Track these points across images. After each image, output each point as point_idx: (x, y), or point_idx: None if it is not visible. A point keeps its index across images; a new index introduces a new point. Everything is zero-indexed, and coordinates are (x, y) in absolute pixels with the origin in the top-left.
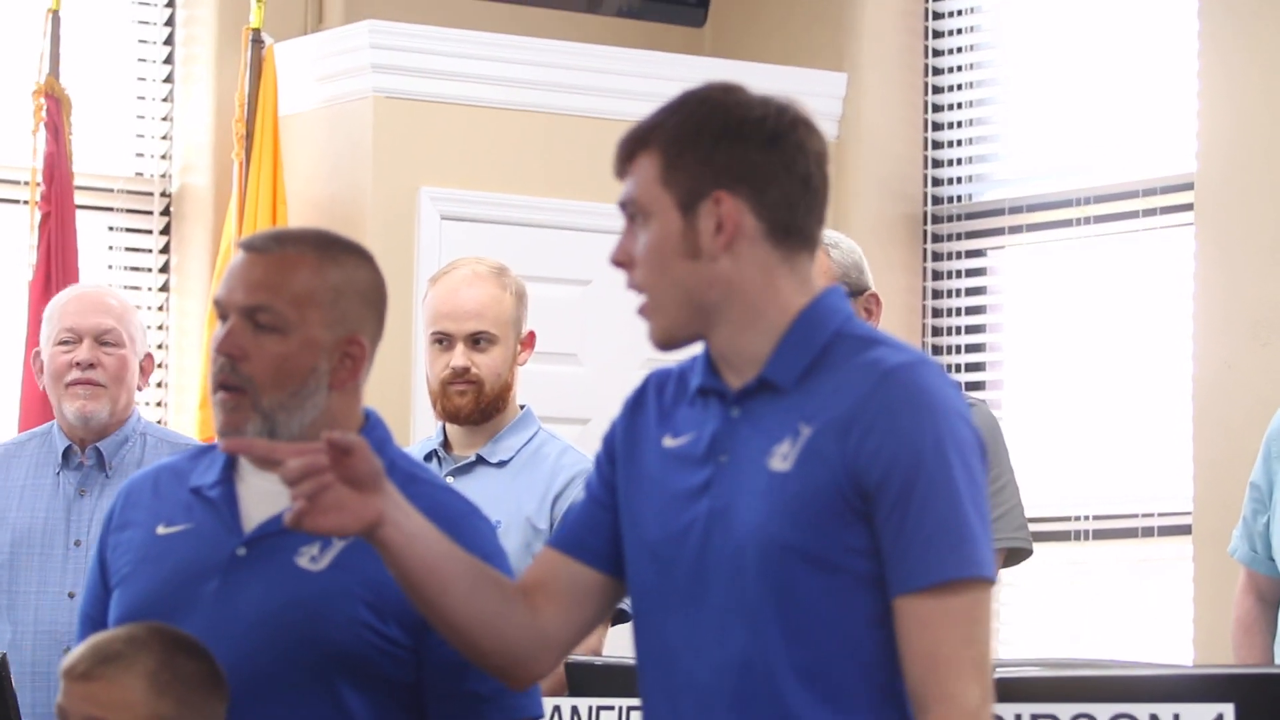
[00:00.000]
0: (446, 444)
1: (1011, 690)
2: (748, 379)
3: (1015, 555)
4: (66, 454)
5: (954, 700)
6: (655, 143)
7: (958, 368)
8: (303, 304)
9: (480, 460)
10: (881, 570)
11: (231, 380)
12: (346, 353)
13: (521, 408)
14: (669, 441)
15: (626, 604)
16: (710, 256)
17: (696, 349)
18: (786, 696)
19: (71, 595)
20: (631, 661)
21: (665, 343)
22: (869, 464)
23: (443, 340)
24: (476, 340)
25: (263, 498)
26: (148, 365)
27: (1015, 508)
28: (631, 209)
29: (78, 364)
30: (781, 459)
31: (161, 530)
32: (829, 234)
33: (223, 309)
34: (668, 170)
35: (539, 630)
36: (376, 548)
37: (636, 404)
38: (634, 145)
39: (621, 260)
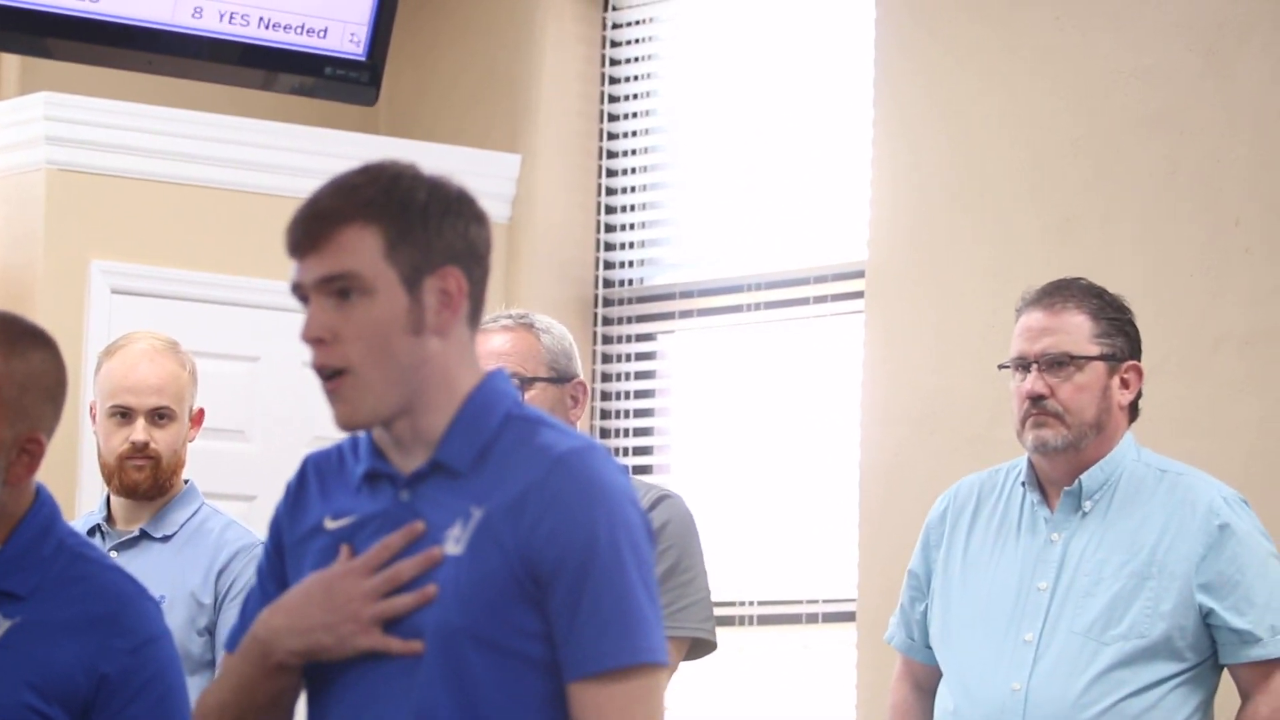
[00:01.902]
0: (110, 518)
1: None
2: (418, 461)
3: (699, 646)
4: None
5: None
6: (370, 218)
7: (627, 451)
8: None
9: (144, 535)
10: (554, 654)
11: None
12: (25, 449)
13: (185, 482)
14: (330, 524)
15: None
16: (432, 332)
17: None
18: None
19: None
20: None
21: (359, 424)
22: (541, 551)
23: (123, 414)
24: (157, 415)
25: None
26: None
27: (704, 599)
28: (342, 284)
29: None
30: (454, 542)
31: None
32: (540, 318)
33: None
34: (392, 245)
35: None
36: (276, 669)
37: (299, 488)
38: (334, 219)
39: (322, 336)
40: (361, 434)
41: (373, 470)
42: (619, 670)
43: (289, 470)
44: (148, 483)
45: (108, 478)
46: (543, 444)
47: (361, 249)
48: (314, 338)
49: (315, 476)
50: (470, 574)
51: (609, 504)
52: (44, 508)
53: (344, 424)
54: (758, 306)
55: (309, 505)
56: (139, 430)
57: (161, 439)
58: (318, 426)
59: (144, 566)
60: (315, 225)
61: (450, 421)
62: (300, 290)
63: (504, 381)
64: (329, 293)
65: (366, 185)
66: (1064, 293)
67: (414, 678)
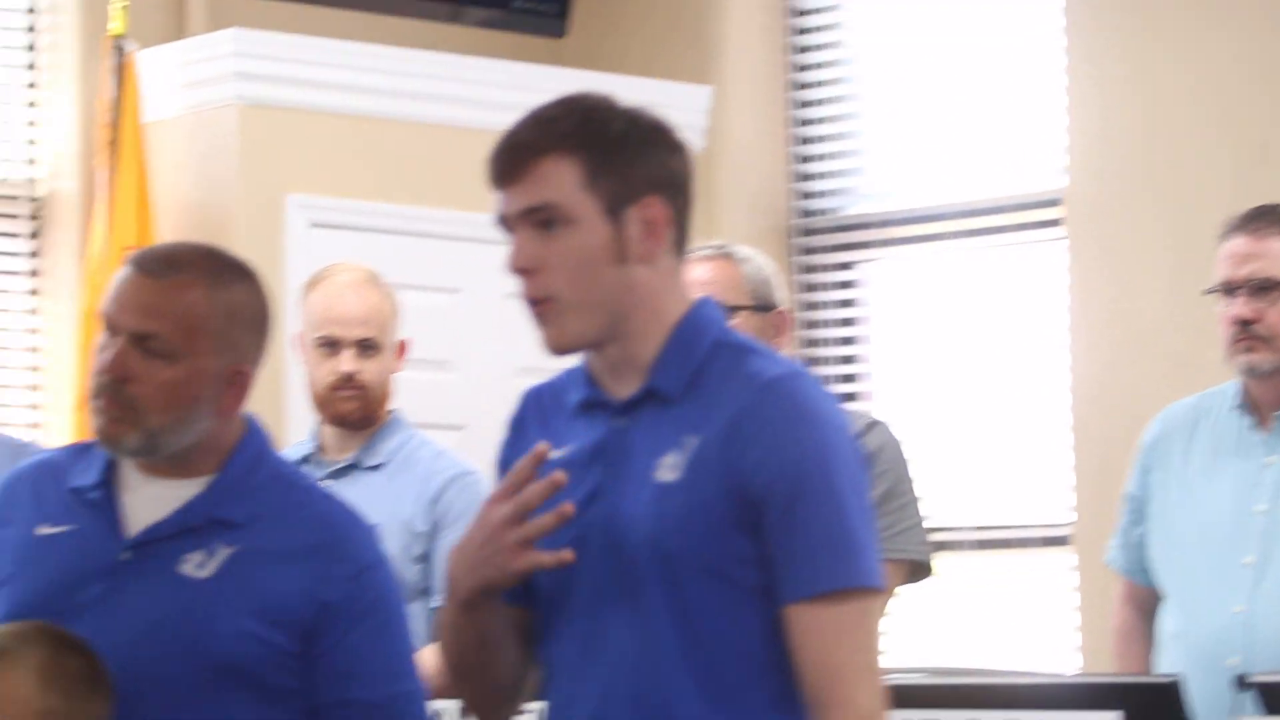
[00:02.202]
0: (320, 448)
1: (899, 697)
2: (632, 388)
3: (918, 571)
4: None
5: (849, 705)
6: (570, 148)
7: (829, 381)
8: (192, 333)
9: (355, 464)
10: (769, 579)
11: (116, 398)
12: (232, 381)
13: (390, 412)
14: (552, 454)
15: None
16: (636, 261)
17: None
18: (683, 702)
19: None
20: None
21: (567, 349)
22: (753, 475)
23: (330, 345)
24: (365, 346)
25: (146, 502)
26: None
27: (919, 524)
28: (545, 214)
29: None
30: (669, 469)
31: (43, 530)
32: (740, 249)
33: (110, 326)
34: (592, 175)
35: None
36: (487, 598)
37: (519, 423)
38: (533, 150)
39: (529, 266)
40: (577, 363)
41: (588, 399)
42: (834, 593)
43: (494, 400)
44: (358, 413)
45: (319, 408)
46: (752, 370)
47: (561, 180)
48: (520, 267)
49: (535, 409)
50: (687, 500)
51: (818, 428)
52: (255, 438)
53: (551, 348)
54: (956, 234)
55: (528, 437)
56: (346, 361)
57: (369, 369)
58: (522, 357)
59: (355, 496)
60: (514, 157)
61: (660, 348)
62: (505, 222)
63: (712, 309)
64: (532, 224)
65: (564, 117)
66: (1267, 218)
67: (638, 605)
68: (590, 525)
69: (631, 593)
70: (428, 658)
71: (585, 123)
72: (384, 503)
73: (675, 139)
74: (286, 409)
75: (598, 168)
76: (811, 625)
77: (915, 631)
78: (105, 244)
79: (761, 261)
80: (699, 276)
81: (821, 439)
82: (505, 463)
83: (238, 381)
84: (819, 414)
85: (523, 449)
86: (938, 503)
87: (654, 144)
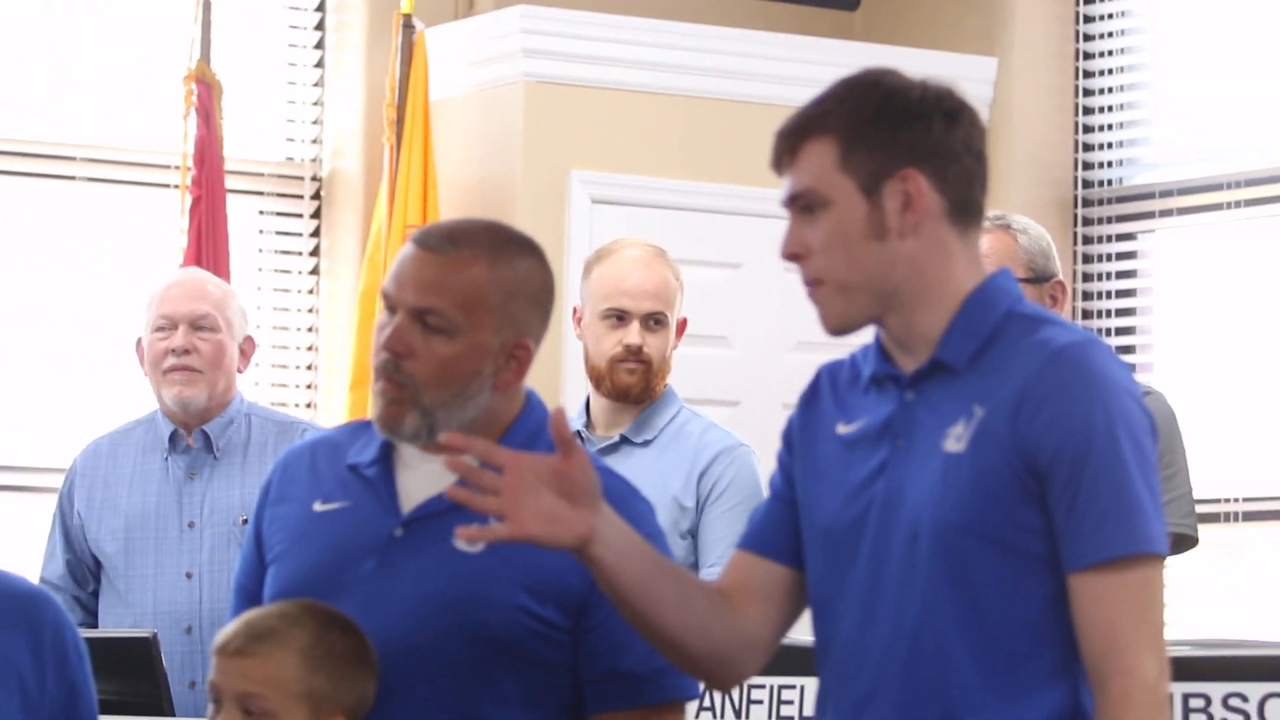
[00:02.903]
0: (589, 424)
1: (1171, 669)
2: (921, 361)
3: (1181, 542)
4: (173, 438)
5: (1132, 674)
6: (827, 129)
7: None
8: (473, 308)
9: (625, 440)
10: (1053, 549)
11: (394, 377)
12: (513, 355)
13: (665, 387)
14: (843, 428)
15: None
16: (898, 235)
17: (860, 335)
18: (961, 673)
19: (189, 575)
20: (783, 641)
21: (842, 328)
22: (1040, 443)
23: (619, 317)
24: (652, 320)
25: (422, 479)
26: (248, 348)
27: (1185, 495)
28: (805, 200)
29: (173, 350)
30: (955, 440)
31: (319, 507)
32: (1017, 219)
33: (391, 302)
34: (846, 154)
35: (744, 632)
36: (587, 565)
37: (811, 396)
38: (798, 136)
39: (797, 253)
40: (869, 338)
41: (879, 373)
42: (1119, 560)
43: (770, 376)
44: (639, 386)
45: (597, 381)
46: (1042, 339)
47: (818, 163)
48: (789, 254)
49: (829, 384)
50: (972, 471)
51: (1108, 396)
52: (535, 411)
53: (826, 328)
54: (1238, 204)
55: (822, 411)
56: (633, 334)
57: (653, 344)
58: (800, 331)
59: (625, 471)
60: (782, 143)
61: (950, 321)
62: (784, 207)
63: (1007, 279)
64: (798, 209)
65: (827, 98)
66: None
67: (918, 577)
68: (874, 498)
69: (912, 564)
70: None
71: (842, 102)
72: (653, 478)
73: (950, 106)
74: (564, 385)
75: (851, 146)
76: (1096, 593)
77: (1181, 603)
78: (387, 223)
79: (1038, 232)
80: None
81: (1110, 405)
82: (789, 433)
83: (518, 356)
84: (1109, 381)
85: (813, 420)
86: (1210, 473)
87: (915, 115)
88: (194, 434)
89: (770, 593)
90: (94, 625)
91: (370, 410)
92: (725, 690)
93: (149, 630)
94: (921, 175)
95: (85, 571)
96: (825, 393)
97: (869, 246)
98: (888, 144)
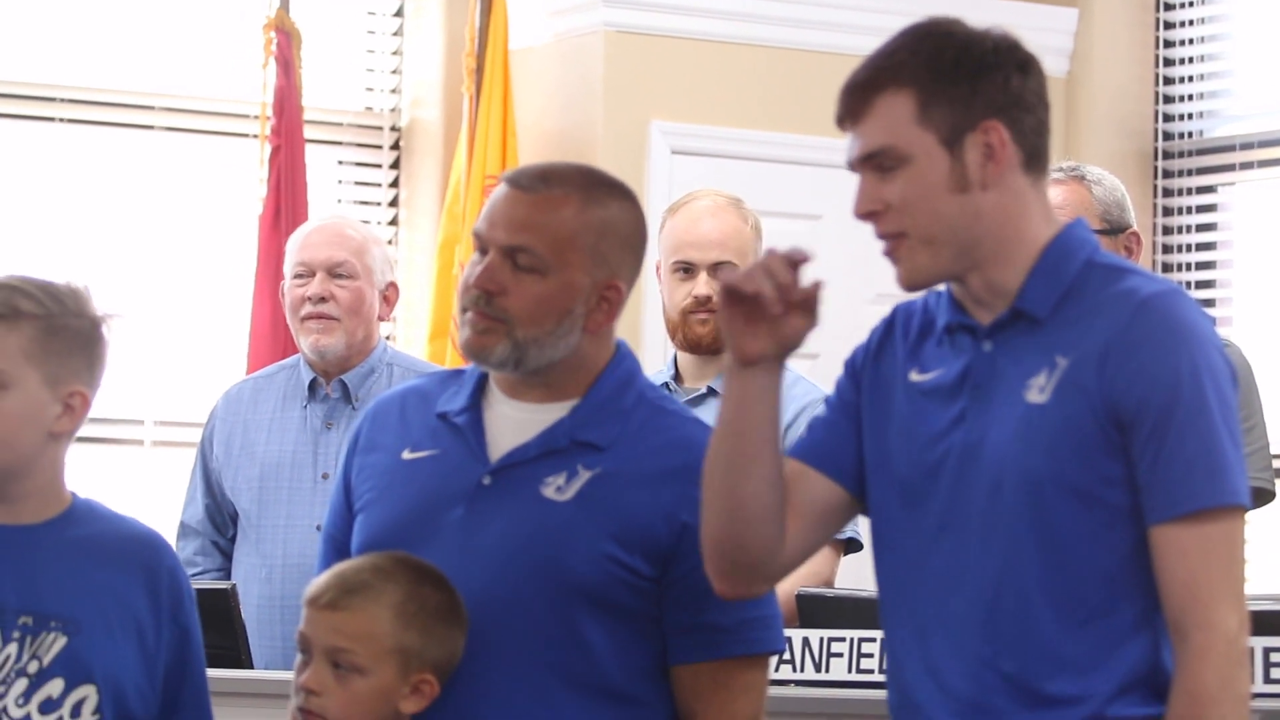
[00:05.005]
0: (678, 376)
1: (1251, 623)
2: (999, 312)
3: (1260, 496)
4: (312, 386)
5: (1214, 627)
6: (902, 83)
7: None
8: (564, 247)
9: (712, 392)
10: (1136, 501)
11: (486, 311)
12: (604, 297)
13: None
14: (916, 376)
15: (857, 533)
16: (980, 187)
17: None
18: (1041, 626)
19: (319, 528)
20: (864, 593)
21: (922, 283)
22: (1125, 393)
23: (686, 269)
24: (720, 269)
25: (510, 426)
26: (391, 295)
27: (1263, 449)
28: (883, 158)
29: (309, 298)
30: (1038, 391)
31: (407, 455)
32: (1092, 170)
33: (482, 243)
34: (925, 107)
35: (782, 539)
36: (747, 371)
37: (885, 334)
38: (869, 90)
39: (876, 209)
40: (941, 288)
41: (954, 322)
42: (1203, 512)
43: (849, 328)
44: (710, 336)
45: (672, 333)
46: (1126, 289)
47: (894, 118)
48: (865, 212)
49: (903, 327)
50: (1056, 422)
51: (1193, 346)
52: (625, 360)
53: (905, 284)
54: None
55: (894, 353)
56: (701, 284)
57: None
58: (879, 284)
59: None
60: (853, 98)
61: (1029, 271)
62: (852, 166)
63: (1084, 230)
64: (872, 167)
65: (898, 50)
66: None
67: (1000, 529)
68: (952, 448)
69: (994, 516)
70: (783, 585)
71: (915, 54)
72: None
73: (1021, 56)
74: (644, 338)
75: (930, 99)
76: (1178, 545)
77: (1260, 558)
78: (466, 174)
79: (1112, 183)
80: (1050, 199)
81: (1196, 356)
82: (854, 364)
83: (609, 297)
84: (1194, 331)
85: (886, 359)
86: None
87: (992, 66)
88: (332, 383)
89: (813, 507)
90: (228, 572)
91: (457, 341)
92: (745, 594)
93: (229, 582)
94: (1001, 126)
95: (225, 517)
96: (899, 336)
97: (952, 200)
98: (967, 96)
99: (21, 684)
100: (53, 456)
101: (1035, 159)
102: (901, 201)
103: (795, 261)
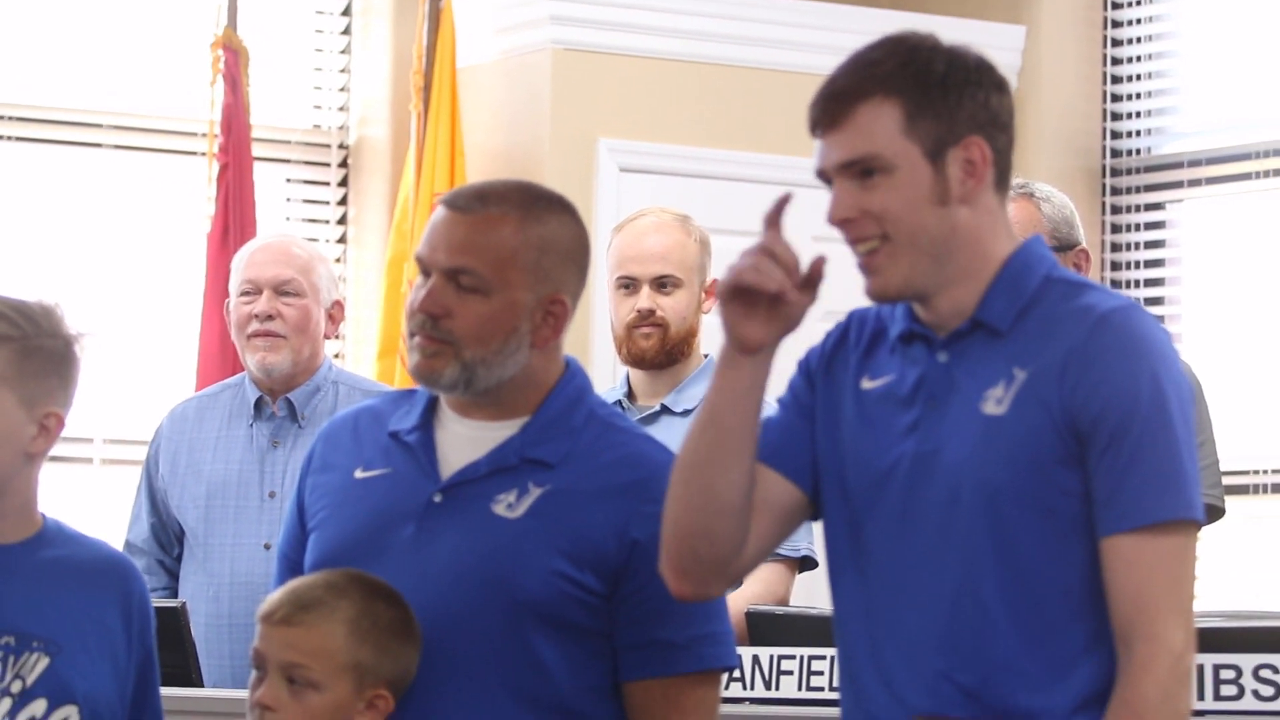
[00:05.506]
0: (630, 394)
1: (1199, 640)
2: (956, 325)
3: (1210, 513)
4: (258, 405)
5: (1159, 640)
6: (889, 92)
7: None
8: (505, 266)
9: (664, 410)
10: (1089, 513)
11: (433, 334)
12: (549, 312)
13: (705, 357)
14: (867, 384)
15: (812, 550)
16: (960, 202)
17: None
18: (999, 639)
19: (268, 546)
20: (814, 611)
21: (893, 295)
22: (1084, 405)
23: (628, 284)
24: (662, 284)
25: (461, 444)
26: (336, 314)
27: (1213, 465)
28: (864, 165)
29: (256, 315)
30: (995, 403)
31: (360, 474)
32: (1041, 187)
33: (424, 266)
34: (912, 118)
35: (747, 536)
36: (745, 360)
37: (840, 340)
38: (853, 98)
39: (850, 216)
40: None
41: (908, 331)
42: (1159, 525)
43: (801, 344)
44: (654, 349)
45: (618, 349)
46: (1086, 304)
47: (880, 126)
48: (842, 219)
49: (856, 332)
50: (1015, 434)
51: (1154, 359)
52: (575, 378)
53: (876, 295)
54: (1267, 174)
55: (846, 359)
56: (644, 298)
57: (668, 306)
58: (827, 300)
59: (666, 440)
60: (834, 104)
61: (988, 286)
62: (824, 175)
63: (1041, 246)
64: (852, 175)
65: (884, 59)
66: None
67: (955, 540)
68: (902, 457)
69: (950, 527)
70: (736, 602)
71: (906, 64)
72: None
73: (997, 76)
74: (593, 354)
75: (918, 110)
76: (1131, 557)
77: (1208, 575)
78: (415, 191)
79: (1061, 200)
80: None
81: (1158, 369)
82: (806, 364)
83: (555, 311)
84: (1156, 345)
85: (838, 364)
86: (1236, 445)
87: (976, 83)
88: (278, 401)
89: (768, 506)
90: (174, 590)
91: (406, 364)
92: (704, 594)
93: (179, 600)
94: (983, 142)
95: (170, 535)
96: (852, 343)
97: (932, 212)
98: (954, 110)
99: (5, 704)
100: (28, 477)
101: (1004, 178)
102: (883, 210)
103: (777, 214)
